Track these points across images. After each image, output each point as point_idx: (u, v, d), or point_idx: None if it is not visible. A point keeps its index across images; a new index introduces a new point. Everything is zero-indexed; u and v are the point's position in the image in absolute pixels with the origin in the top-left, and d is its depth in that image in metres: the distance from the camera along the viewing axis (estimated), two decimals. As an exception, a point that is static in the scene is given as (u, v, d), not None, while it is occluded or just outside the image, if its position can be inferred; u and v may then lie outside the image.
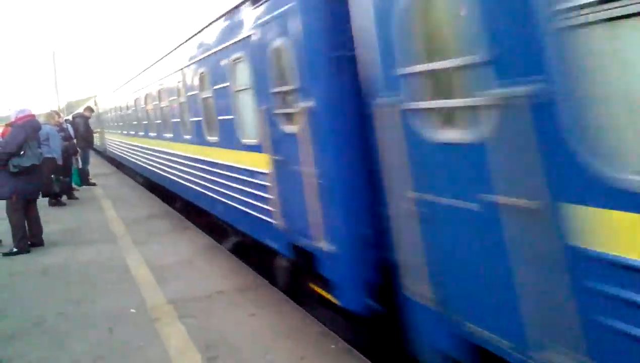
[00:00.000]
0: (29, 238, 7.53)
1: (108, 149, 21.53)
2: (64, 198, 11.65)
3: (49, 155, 9.63)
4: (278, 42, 4.15)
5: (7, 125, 7.50)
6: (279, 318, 4.53)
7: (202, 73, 6.67)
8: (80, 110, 19.43)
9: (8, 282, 6.13)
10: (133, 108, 13.25)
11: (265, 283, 5.51)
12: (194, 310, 4.83)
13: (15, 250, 7.31)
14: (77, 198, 12.13)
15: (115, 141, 18.54)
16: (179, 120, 8.40)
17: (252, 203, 5.31)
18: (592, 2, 1.77)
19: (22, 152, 7.04)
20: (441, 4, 2.62)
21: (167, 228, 8.52)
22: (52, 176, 10.34)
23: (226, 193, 6.18)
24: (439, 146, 2.61)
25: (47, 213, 7.82)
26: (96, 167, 19.52)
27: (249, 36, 4.75)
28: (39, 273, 6.39)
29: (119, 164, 19.50)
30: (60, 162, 10.46)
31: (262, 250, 5.57)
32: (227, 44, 5.45)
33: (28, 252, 7.32)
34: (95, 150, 27.58)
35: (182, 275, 5.93)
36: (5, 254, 7.27)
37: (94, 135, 25.47)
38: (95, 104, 23.70)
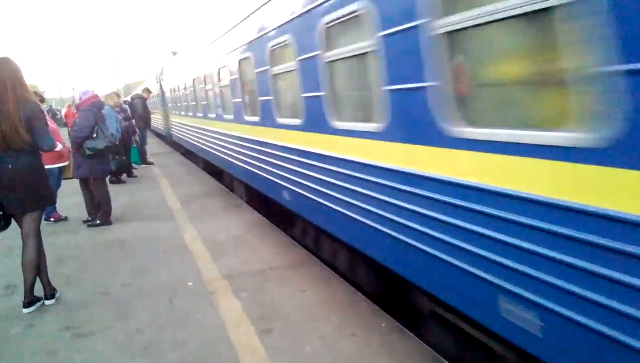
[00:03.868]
0: (92, 213, 8.07)
1: (175, 134, 18.06)
2: (124, 176, 12.24)
3: None
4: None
5: (71, 106, 7.91)
6: (329, 295, 4.63)
7: None
8: (139, 91, 20.08)
9: (76, 254, 6.55)
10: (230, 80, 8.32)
11: (315, 260, 5.62)
12: (247, 284, 5.01)
13: (98, 222, 7.93)
14: (136, 177, 12.71)
15: (187, 126, 14.51)
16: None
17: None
18: None
19: (94, 135, 7.43)
20: None
21: (220, 205, 8.80)
22: (109, 155, 10.87)
23: None
24: None
25: (109, 191, 8.26)
26: (152, 146, 20.25)
27: None
28: (103, 247, 6.79)
29: (187, 152, 16.66)
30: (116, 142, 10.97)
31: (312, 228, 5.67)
32: None
33: (110, 224, 7.94)
34: (157, 134, 26.47)
35: (235, 250, 6.14)
36: (90, 225, 7.97)
37: (154, 116, 25.66)
38: (158, 81, 21.04)
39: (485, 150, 2.68)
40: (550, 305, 2.37)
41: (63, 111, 27.82)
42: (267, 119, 6.44)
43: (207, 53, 10.16)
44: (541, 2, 2.20)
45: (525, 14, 2.31)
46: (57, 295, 5.01)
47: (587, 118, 2.13)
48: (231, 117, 8.50)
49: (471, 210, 2.84)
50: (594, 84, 2.07)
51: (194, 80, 12.06)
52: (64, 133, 11.06)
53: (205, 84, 10.66)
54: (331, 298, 4.56)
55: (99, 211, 7.97)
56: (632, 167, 1.94)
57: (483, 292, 2.82)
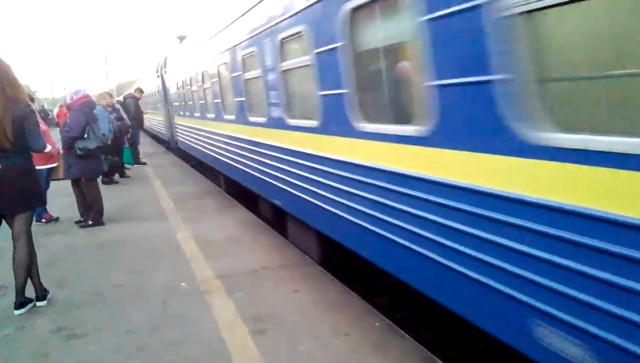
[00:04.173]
0: (84, 214, 8.01)
1: (182, 141, 14.33)
2: (117, 176, 12.18)
3: None
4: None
5: (61, 106, 7.84)
6: (323, 295, 4.62)
7: None
8: (131, 91, 19.94)
9: (68, 255, 6.50)
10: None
11: (308, 260, 5.62)
12: (241, 285, 5.00)
13: (90, 222, 7.87)
14: (128, 177, 12.65)
15: (204, 134, 10.56)
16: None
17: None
18: None
19: (85, 135, 7.38)
20: None
21: (214, 205, 8.77)
22: (102, 155, 10.81)
23: None
24: None
25: (101, 191, 8.21)
26: (145, 146, 20.14)
27: None
28: (95, 248, 6.75)
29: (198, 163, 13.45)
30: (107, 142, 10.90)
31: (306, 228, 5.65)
32: None
33: (103, 224, 7.89)
34: (155, 137, 23.64)
35: (228, 251, 6.12)
36: (82, 226, 7.90)
37: (152, 118, 22.76)
38: (159, 75, 17.54)
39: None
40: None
41: (55, 111, 27.60)
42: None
43: (245, 26, 6.38)
44: None
45: None
46: (48, 297, 4.97)
47: None
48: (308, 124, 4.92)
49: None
50: None
51: (219, 69, 8.34)
52: (56, 133, 11.00)
53: (245, 71, 6.74)
54: (325, 298, 4.56)
55: (91, 212, 7.91)
56: None
57: None
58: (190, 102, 11.90)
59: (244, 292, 4.82)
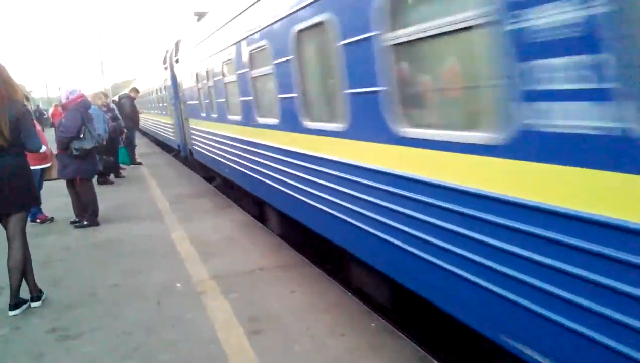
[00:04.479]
0: (79, 214, 7.98)
1: (201, 151, 10.96)
2: (112, 176, 12.15)
3: None
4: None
5: (57, 106, 7.80)
6: (319, 295, 4.62)
7: None
8: (127, 91, 19.82)
9: (63, 255, 6.48)
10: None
11: (305, 261, 5.62)
12: (237, 285, 4.99)
13: (85, 223, 7.84)
14: (124, 177, 12.61)
15: (236, 143, 7.66)
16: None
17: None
18: None
19: (81, 135, 7.35)
20: None
21: (210, 206, 8.76)
22: (97, 156, 10.78)
23: None
24: None
25: (96, 192, 8.19)
26: (141, 147, 20.07)
27: None
28: (91, 248, 6.73)
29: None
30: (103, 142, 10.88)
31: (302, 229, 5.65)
32: None
33: (98, 224, 7.85)
34: (167, 148, 18.47)
35: (224, 251, 6.11)
36: (77, 226, 7.86)
37: (155, 119, 19.98)
38: (167, 65, 14.22)
39: None
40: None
41: (50, 111, 27.46)
42: None
43: None
44: None
45: None
46: (43, 297, 4.95)
47: None
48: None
49: None
50: None
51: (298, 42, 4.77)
52: (51, 133, 10.95)
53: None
54: (321, 298, 4.56)
55: (86, 212, 7.89)
56: None
57: None
58: (221, 100, 8.29)
59: (239, 292, 4.82)
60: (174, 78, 13.67)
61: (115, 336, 4.12)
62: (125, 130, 13.34)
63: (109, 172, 11.96)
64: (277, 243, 6.33)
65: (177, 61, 12.85)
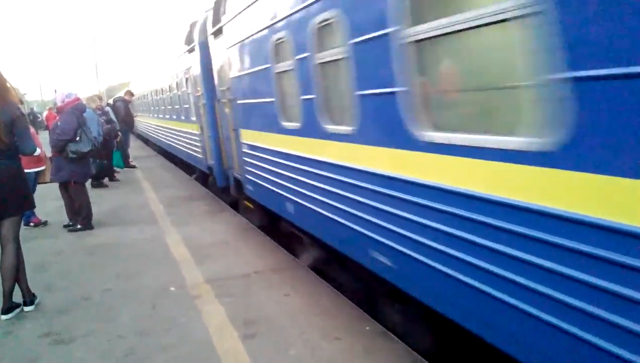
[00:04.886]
0: (73, 218, 7.94)
1: (262, 184, 6.29)
2: (106, 180, 12.10)
3: None
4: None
5: (51, 109, 7.78)
6: (314, 299, 4.63)
7: None
8: (121, 94, 19.74)
9: (56, 259, 6.45)
10: None
11: (299, 265, 5.62)
12: (231, 289, 4.98)
13: (79, 226, 7.81)
14: (118, 180, 12.57)
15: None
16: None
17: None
18: None
19: (77, 138, 7.34)
20: None
21: (204, 209, 8.75)
22: (90, 159, 10.75)
23: None
24: None
25: (90, 195, 8.16)
26: (135, 149, 20.00)
27: None
28: (84, 252, 6.69)
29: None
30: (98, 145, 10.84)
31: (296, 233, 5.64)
32: None
33: (92, 228, 7.82)
34: (175, 160, 15.35)
35: (219, 255, 6.10)
36: (70, 230, 7.83)
37: (169, 126, 14.44)
38: (195, 47, 9.13)
39: None
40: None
41: (44, 114, 27.28)
42: None
43: None
44: None
45: None
46: (36, 301, 4.92)
47: None
48: None
49: None
50: None
51: None
52: (45, 136, 10.91)
53: None
54: (315, 302, 4.57)
55: (80, 216, 7.86)
56: None
57: None
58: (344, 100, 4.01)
59: (234, 296, 4.81)
60: (206, 63, 8.88)
61: (109, 340, 4.10)
62: (119, 133, 13.31)
63: (104, 175, 11.92)
64: (271, 247, 6.33)
65: (216, 33, 7.81)
